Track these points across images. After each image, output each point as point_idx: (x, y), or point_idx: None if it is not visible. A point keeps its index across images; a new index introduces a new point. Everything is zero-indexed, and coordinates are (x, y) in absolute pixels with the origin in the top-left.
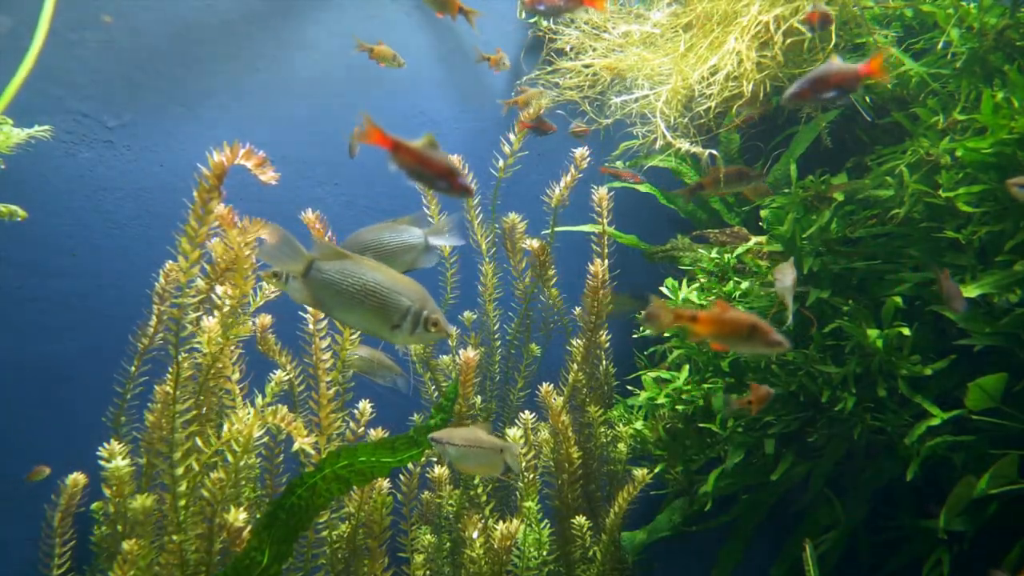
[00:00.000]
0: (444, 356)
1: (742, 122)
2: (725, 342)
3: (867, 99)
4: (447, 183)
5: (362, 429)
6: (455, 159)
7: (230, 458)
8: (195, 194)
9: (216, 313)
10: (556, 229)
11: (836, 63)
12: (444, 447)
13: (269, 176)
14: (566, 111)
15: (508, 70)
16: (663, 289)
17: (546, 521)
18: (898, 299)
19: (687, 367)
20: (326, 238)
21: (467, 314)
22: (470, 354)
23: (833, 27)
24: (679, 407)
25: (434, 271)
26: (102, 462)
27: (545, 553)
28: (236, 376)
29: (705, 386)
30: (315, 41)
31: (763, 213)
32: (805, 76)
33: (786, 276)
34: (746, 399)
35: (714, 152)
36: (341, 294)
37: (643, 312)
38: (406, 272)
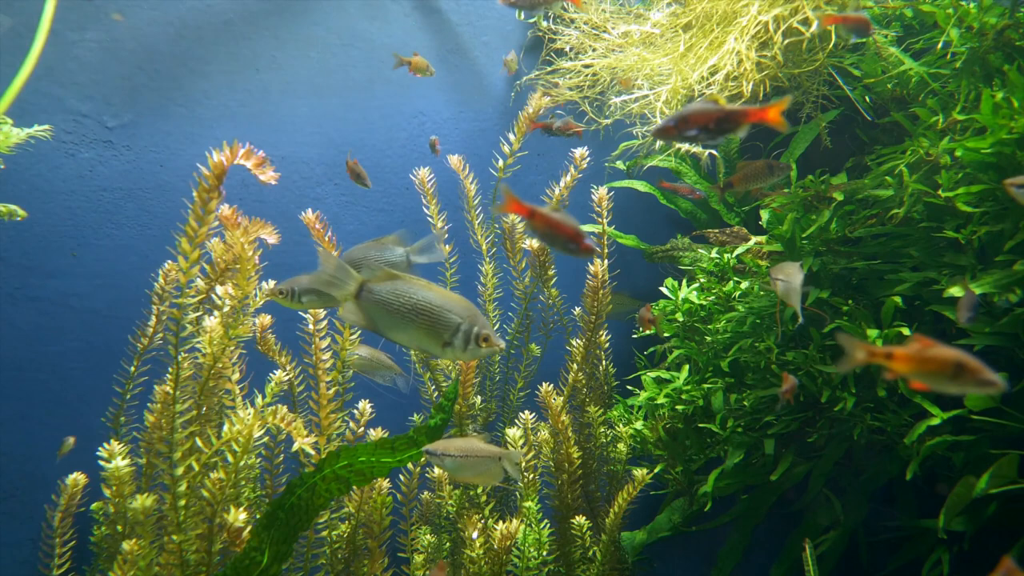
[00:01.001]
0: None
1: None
2: (926, 381)
3: (867, 99)
4: (576, 245)
5: (362, 429)
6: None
7: (230, 458)
8: (195, 194)
9: (216, 313)
10: None
11: (724, 105)
12: (440, 459)
13: (269, 176)
14: (566, 111)
15: (511, 71)
16: (663, 289)
17: (546, 521)
18: (898, 299)
19: (687, 367)
20: (326, 238)
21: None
22: None
23: (833, 27)
24: (679, 407)
25: (434, 271)
26: (102, 462)
27: (545, 553)
28: (236, 376)
29: (705, 386)
30: (315, 41)
31: (763, 213)
32: (682, 113)
33: (794, 277)
34: (784, 390)
35: (714, 152)
36: (393, 314)
37: (840, 343)
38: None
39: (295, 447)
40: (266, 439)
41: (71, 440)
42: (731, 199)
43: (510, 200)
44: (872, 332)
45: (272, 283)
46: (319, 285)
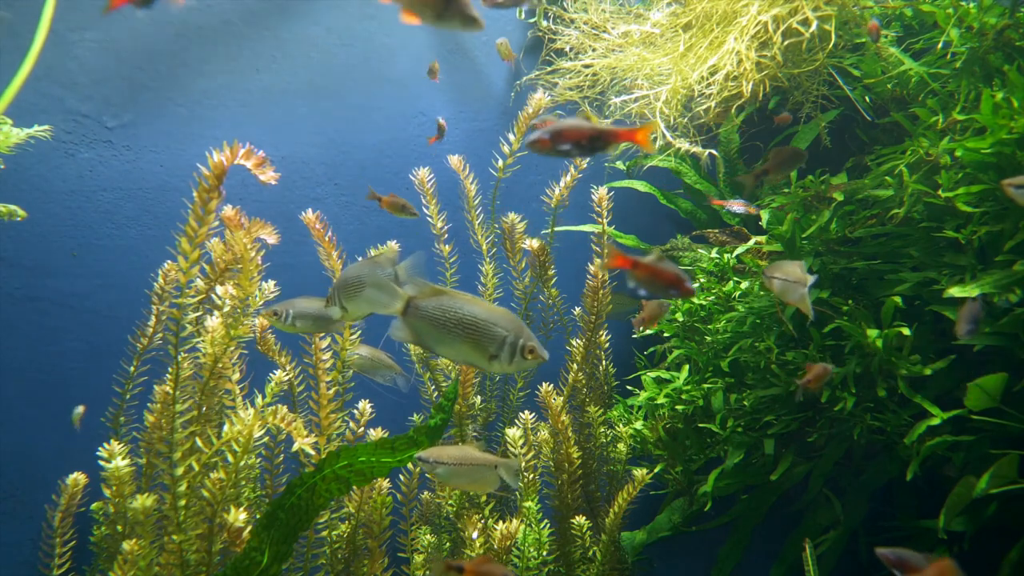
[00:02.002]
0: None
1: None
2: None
3: (867, 99)
4: (678, 291)
5: (362, 429)
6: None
7: (230, 458)
8: (195, 194)
9: (217, 313)
10: (556, 229)
11: (597, 123)
12: (433, 467)
13: (269, 176)
14: (566, 111)
15: (509, 70)
16: None
17: (546, 521)
18: (898, 299)
19: (687, 367)
20: (326, 238)
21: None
22: None
23: (833, 26)
24: (679, 407)
25: (434, 271)
26: (102, 462)
27: (545, 553)
28: (236, 376)
29: (705, 386)
30: (315, 41)
31: (763, 213)
32: (557, 127)
33: (799, 276)
34: (807, 379)
35: (714, 152)
36: (440, 329)
37: None
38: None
39: (295, 447)
40: (266, 439)
41: (81, 409)
42: (730, 198)
43: (615, 255)
44: (872, 332)
45: (272, 283)
46: (366, 304)
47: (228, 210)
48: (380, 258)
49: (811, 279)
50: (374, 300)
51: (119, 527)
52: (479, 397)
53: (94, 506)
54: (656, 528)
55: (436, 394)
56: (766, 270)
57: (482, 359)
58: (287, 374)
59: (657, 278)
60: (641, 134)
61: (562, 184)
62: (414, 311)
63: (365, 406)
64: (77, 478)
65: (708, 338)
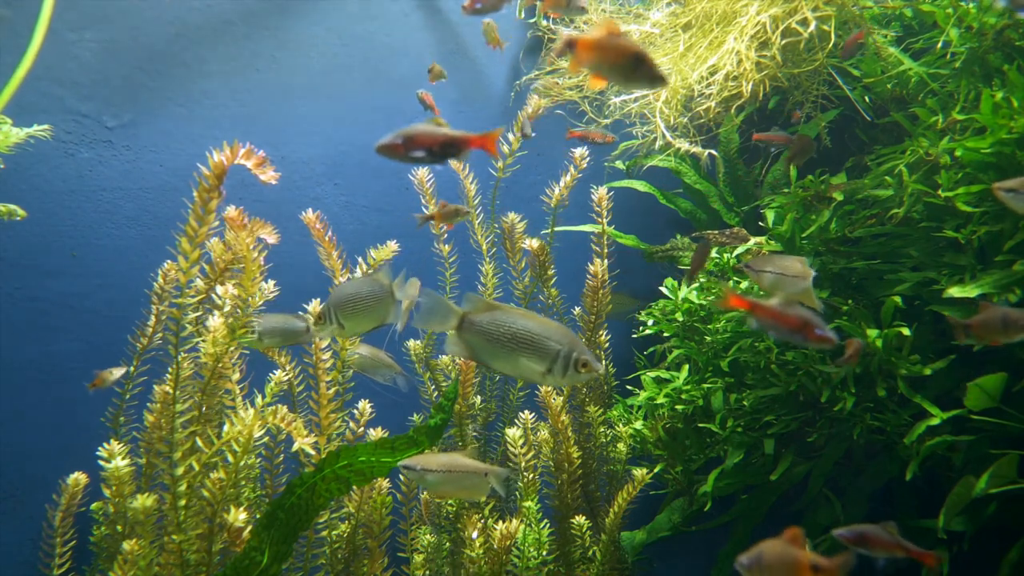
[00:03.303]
0: (444, 356)
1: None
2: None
3: (866, 99)
4: (803, 335)
5: (362, 429)
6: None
7: (230, 458)
8: (195, 194)
9: (217, 314)
10: (556, 229)
11: (448, 130)
12: (420, 474)
13: (269, 176)
14: (565, 111)
15: (509, 70)
16: (663, 289)
17: (546, 521)
18: (898, 299)
19: (687, 367)
20: (326, 238)
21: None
22: None
23: (832, 26)
24: (679, 407)
25: (434, 271)
26: (102, 462)
27: (545, 553)
28: (236, 376)
29: (705, 386)
30: (315, 41)
31: (767, 213)
32: (408, 132)
33: (800, 271)
34: (849, 355)
35: (713, 152)
36: (494, 344)
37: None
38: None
39: (295, 447)
40: (266, 439)
41: (107, 374)
42: (731, 199)
43: (731, 297)
44: (872, 332)
45: (272, 283)
46: (420, 323)
47: (231, 210)
48: (378, 275)
49: (811, 274)
50: (429, 318)
51: (119, 527)
52: (479, 397)
53: (94, 506)
54: (656, 528)
55: (436, 394)
56: (752, 263)
57: (536, 373)
58: (287, 374)
59: (780, 322)
60: (490, 140)
61: (562, 184)
62: (468, 327)
63: (365, 406)
64: (78, 478)
65: (708, 338)
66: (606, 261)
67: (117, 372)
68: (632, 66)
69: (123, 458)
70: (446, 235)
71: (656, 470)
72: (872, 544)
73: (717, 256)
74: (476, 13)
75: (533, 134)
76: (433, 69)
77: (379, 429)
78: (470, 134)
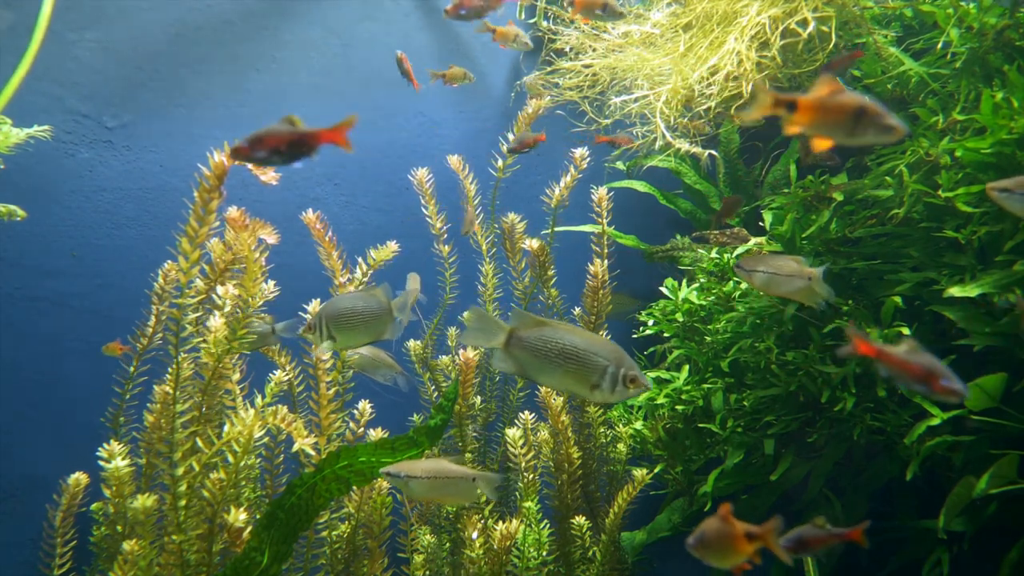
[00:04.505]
0: (444, 356)
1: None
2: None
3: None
4: (927, 387)
5: (362, 429)
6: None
7: (230, 458)
8: (196, 194)
9: (218, 314)
10: (556, 229)
11: (298, 127)
12: (404, 481)
13: (270, 176)
14: (566, 111)
15: (506, 71)
16: (663, 289)
17: (546, 521)
18: (898, 299)
19: (687, 367)
20: (326, 238)
21: (467, 314)
22: (470, 354)
23: (833, 26)
24: (679, 407)
25: (434, 271)
26: (102, 462)
27: (545, 553)
28: (236, 376)
29: (705, 386)
30: (315, 41)
31: (766, 214)
32: (256, 134)
33: (802, 271)
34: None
35: (713, 152)
36: (542, 359)
37: None
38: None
39: (295, 447)
40: (266, 439)
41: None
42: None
43: (859, 341)
44: (872, 332)
45: (272, 283)
46: (468, 340)
47: (233, 211)
48: (376, 291)
49: (811, 271)
50: (477, 336)
51: (119, 527)
52: (479, 397)
53: (94, 506)
54: (656, 528)
55: (436, 394)
56: (743, 262)
57: (584, 389)
58: (287, 374)
59: (905, 371)
60: (339, 133)
61: (562, 184)
62: (516, 342)
63: (365, 406)
64: (79, 478)
65: (708, 338)
66: (606, 261)
67: (122, 348)
68: (856, 119)
69: (123, 458)
70: (446, 235)
71: (656, 470)
72: (810, 544)
73: (717, 256)
74: (459, 19)
75: (527, 150)
76: (452, 72)
77: (379, 429)
78: (319, 129)
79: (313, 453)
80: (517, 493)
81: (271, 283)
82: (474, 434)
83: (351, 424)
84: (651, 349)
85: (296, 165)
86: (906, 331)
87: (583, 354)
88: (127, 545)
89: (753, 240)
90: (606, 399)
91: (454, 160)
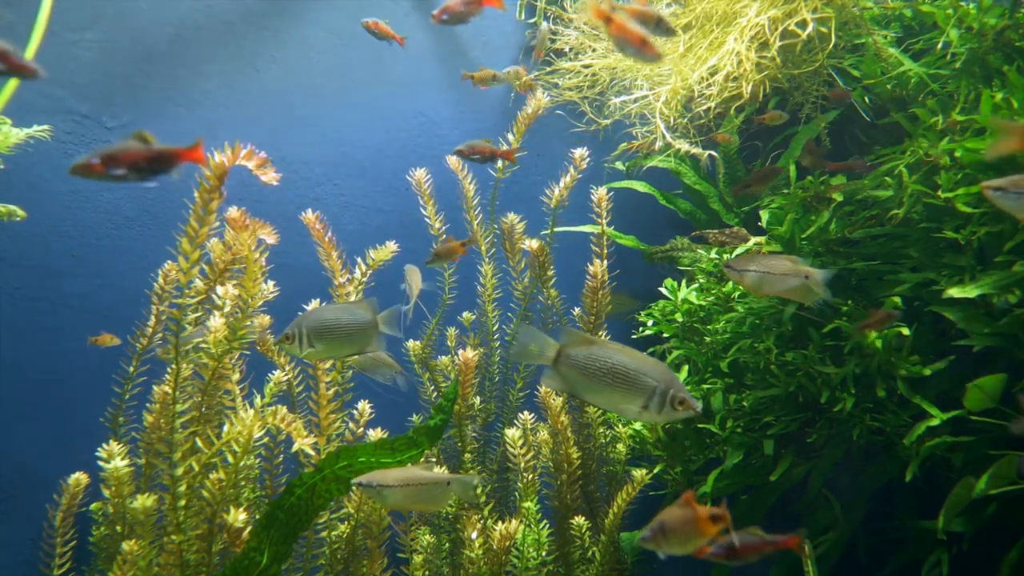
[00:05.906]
0: (443, 357)
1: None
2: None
3: (866, 100)
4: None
5: (361, 429)
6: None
7: (230, 459)
8: (196, 195)
9: (218, 314)
10: (555, 229)
11: (155, 145)
12: (377, 491)
13: (270, 177)
14: (566, 111)
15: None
16: (663, 289)
17: (545, 521)
18: (897, 299)
19: (686, 367)
20: (326, 238)
21: (466, 315)
22: (469, 355)
23: (832, 27)
24: None
25: (433, 271)
26: (101, 463)
27: (544, 553)
28: (236, 376)
29: (704, 386)
30: (315, 41)
31: (763, 214)
32: (112, 149)
33: (798, 270)
34: (864, 322)
35: (713, 152)
36: (590, 378)
37: None
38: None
39: (295, 448)
40: (266, 439)
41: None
42: (730, 199)
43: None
44: (872, 332)
45: (271, 283)
46: (517, 357)
47: (233, 211)
48: (361, 305)
49: (808, 269)
50: (526, 353)
51: (119, 527)
52: (478, 398)
53: (94, 506)
54: None
55: (436, 394)
56: (733, 262)
57: (632, 408)
58: (286, 374)
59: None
60: (197, 152)
61: (562, 184)
62: (564, 360)
63: (365, 406)
64: (79, 478)
65: (707, 339)
66: (606, 261)
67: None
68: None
69: (123, 458)
70: (444, 235)
71: (655, 471)
72: (743, 552)
73: (716, 256)
74: (444, 23)
75: (476, 158)
76: (482, 74)
77: (379, 429)
78: (180, 148)
79: (313, 453)
80: (516, 493)
81: (271, 283)
82: (474, 434)
83: (351, 424)
84: (650, 349)
85: (150, 184)
86: (906, 331)
87: (633, 374)
88: (127, 545)
89: (753, 240)
90: (653, 419)
91: (453, 160)
